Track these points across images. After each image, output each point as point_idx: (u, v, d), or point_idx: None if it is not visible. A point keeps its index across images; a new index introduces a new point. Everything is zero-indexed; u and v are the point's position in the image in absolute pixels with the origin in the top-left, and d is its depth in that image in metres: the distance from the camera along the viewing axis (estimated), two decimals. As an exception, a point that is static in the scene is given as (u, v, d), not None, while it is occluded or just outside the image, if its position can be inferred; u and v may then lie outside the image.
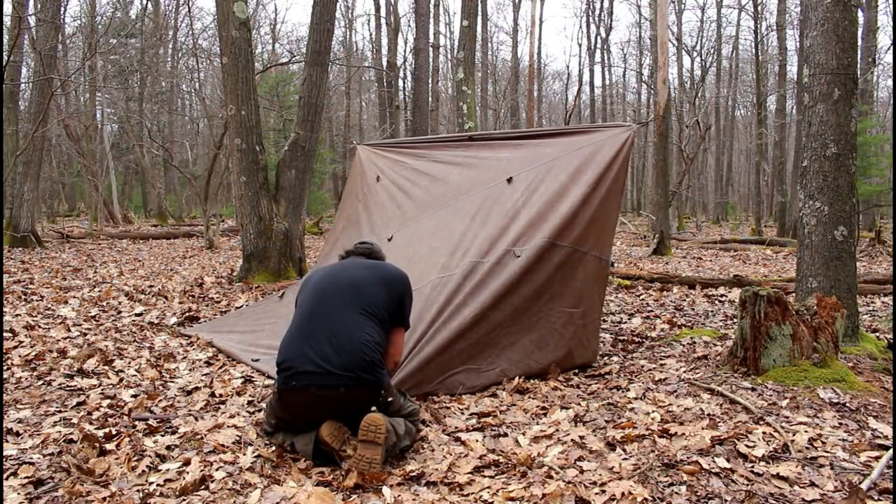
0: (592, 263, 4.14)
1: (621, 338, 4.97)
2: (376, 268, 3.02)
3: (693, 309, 6.36)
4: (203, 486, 2.43)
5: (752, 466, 2.49)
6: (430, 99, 18.82)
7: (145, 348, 4.62)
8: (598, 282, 4.21)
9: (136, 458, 2.64)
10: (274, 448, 2.77)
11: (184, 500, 2.33)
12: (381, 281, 2.91)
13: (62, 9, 14.52)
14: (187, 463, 2.61)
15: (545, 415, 3.21)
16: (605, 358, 4.35)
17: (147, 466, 2.57)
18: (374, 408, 2.65)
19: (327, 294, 2.83)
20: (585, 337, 4.12)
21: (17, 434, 2.93)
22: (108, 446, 2.74)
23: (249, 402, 3.46)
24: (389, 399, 2.73)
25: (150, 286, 7.36)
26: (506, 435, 2.95)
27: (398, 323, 2.95)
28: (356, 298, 2.80)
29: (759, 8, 24.14)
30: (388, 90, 22.11)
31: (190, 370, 4.13)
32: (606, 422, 3.04)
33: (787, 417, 2.97)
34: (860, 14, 13.51)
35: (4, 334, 4.75)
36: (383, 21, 25.04)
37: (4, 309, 5.74)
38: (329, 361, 2.61)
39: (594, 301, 4.19)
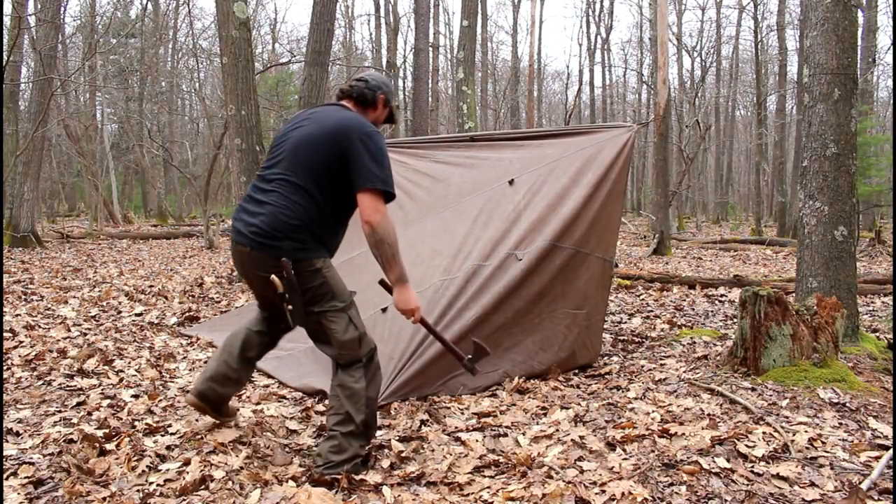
0: (596, 265, 4.14)
1: (621, 338, 4.97)
2: (330, 120, 2.60)
3: (693, 309, 6.36)
4: (203, 486, 2.42)
5: (752, 466, 2.49)
6: (430, 99, 18.82)
7: (145, 348, 4.62)
8: (601, 283, 4.21)
9: (136, 458, 2.64)
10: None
11: (184, 500, 2.33)
12: (325, 138, 2.54)
13: (62, 9, 14.51)
14: (187, 463, 2.60)
15: (545, 415, 3.21)
16: (605, 358, 4.35)
17: (147, 466, 2.57)
18: (275, 278, 2.50)
19: (277, 151, 2.67)
20: (589, 338, 4.13)
21: (17, 434, 2.92)
22: (108, 446, 2.74)
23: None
24: (289, 276, 2.48)
25: (150, 286, 7.36)
26: (506, 435, 2.95)
27: (355, 185, 2.50)
28: (295, 159, 2.56)
29: (760, 8, 24.15)
30: (388, 90, 22.06)
31: (190, 370, 4.14)
32: (606, 422, 3.04)
33: (787, 417, 2.97)
34: (860, 14, 13.50)
35: (4, 334, 4.74)
36: (383, 21, 25.05)
37: (4, 309, 5.74)
38: (247, 221, 2.56)
39: (598, 302, 4.20)
